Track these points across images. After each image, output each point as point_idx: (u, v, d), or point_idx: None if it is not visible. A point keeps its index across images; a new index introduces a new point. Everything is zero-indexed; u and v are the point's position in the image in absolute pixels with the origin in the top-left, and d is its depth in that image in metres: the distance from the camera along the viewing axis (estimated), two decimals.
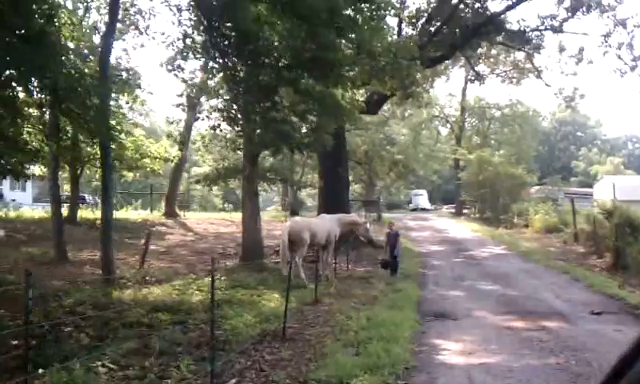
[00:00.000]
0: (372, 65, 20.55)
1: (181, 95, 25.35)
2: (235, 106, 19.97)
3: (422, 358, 8.69)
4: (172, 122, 32.47)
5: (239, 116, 19.84)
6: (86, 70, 17.62)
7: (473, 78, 41.58)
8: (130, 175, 38.70)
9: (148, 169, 36.00)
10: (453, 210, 58.80)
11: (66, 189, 62.65)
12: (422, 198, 70.92)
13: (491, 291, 16.11)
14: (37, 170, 35.72)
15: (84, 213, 36.96)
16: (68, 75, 13.28)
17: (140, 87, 32.90)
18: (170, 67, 22.52)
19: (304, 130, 21.18)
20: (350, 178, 71.58)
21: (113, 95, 30.49)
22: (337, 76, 18.14)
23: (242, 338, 10.03)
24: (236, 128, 20.83)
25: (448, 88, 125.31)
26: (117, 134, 33.44)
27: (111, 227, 17.35)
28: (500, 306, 13.80)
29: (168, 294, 14.99)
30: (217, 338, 9.97)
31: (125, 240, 29.29)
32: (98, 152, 34.27)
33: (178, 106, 21.44)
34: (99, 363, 7.49)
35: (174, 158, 36.90)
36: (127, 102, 33.26)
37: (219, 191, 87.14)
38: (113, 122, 19.71)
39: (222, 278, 17.52)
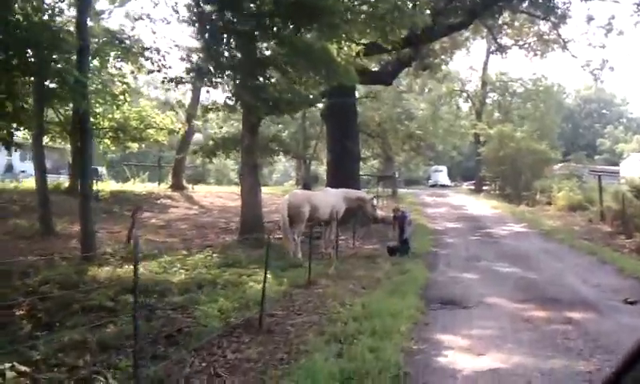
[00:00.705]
0: (369, 13, 18.62)
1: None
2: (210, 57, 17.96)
3: (419, 362, 7.03)
4: (168, 90, 30.73)
5: (212, 70, 17.93)
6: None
7: (495, 49, 39.41)
8: (133, 146, 37.28)
9: (152, 140, 34.55)
10: (472, 187, 56.78)
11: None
12: (441, 175, 68.76)
13: (509, 274, 14.39)
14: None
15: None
16: (18, 24, 11.66)
17: (144, 56, 31.55)
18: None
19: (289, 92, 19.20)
20: (367, 153, 70.39)
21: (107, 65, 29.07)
22: (327, 26, 16.28)
23: (209, 330, 8.44)
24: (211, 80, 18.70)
25: (469, 61, 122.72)
26: (101, 101, 32.21)
27: (90, 198, 16.03)
28: (518, 291, 12.10)
29: (149, 272, 13.59)
30: (178, 329, 8.45)
31: (125, 213, 28.05)
32: (102, 123, 33.54)
33: (171, 80, 19.36)
34: (7, 366, 5.90)
35: (179, 129, 35.37)
36: (132, 72, 31.94)
37: (235, 164, 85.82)
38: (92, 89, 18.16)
39: (214, 256, 16.12)
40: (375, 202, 18.45)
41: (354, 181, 25.17)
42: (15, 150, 23.07)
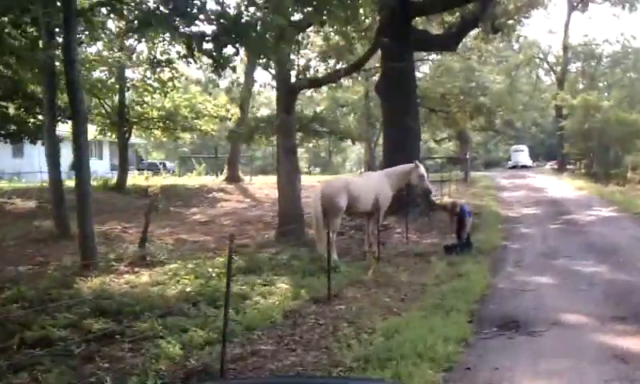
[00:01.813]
0: None
1: None
2: None
3: None
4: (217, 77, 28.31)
5: None
6: None
7: (577, 3, 34.94)
8: (186, 136, 35.42)
9: (202, 129, 32.46)
10: (556, 167, 52.22)
11: (155, 156, 61.31)
12: (522, 155, 63.91)
13: (596, 275, 11.22)
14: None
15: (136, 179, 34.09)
16: None
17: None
18: None
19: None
20: (442, 134, 66.41)
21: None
22: None
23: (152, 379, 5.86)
24: None
25: (547, 25, 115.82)
26: (150, 90, 30.15)
27: (88, 195, 13.69)
28: (608, 304, 8.99)
29: (148, 284, 11.38)
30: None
31: (170, 209, 26.16)
32: (150, 112, 31.61)
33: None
34: None
35: (232, 116, 33.11)
36: (182, 57, 29.90)
37: (305, 154, 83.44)
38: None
39: (236, 259, 13.63)
40: (423, 169, 15.24)
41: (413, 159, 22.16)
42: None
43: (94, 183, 30.98)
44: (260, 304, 9.52)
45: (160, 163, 51.67)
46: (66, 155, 17.08)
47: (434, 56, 40.84)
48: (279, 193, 17.88)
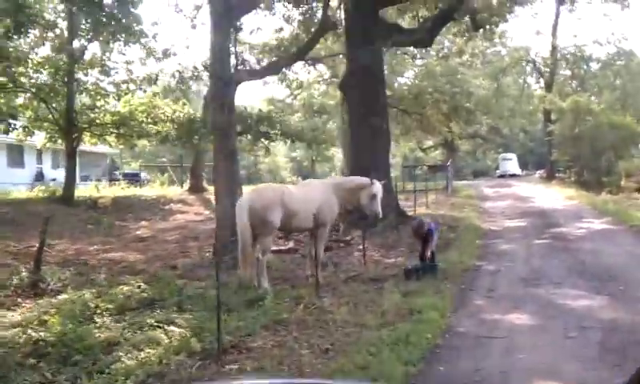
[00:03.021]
0: None
1: None
2: None
3: None
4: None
5: None
6: None
7: None
8: (141, 143, 32.51)
9: (158, 134, 29.58)
10: (544, 175, 49.47)
11: (133, 166, 58.37)
12: (510, 163, 61.33)
13: (588, 313, 8.50)
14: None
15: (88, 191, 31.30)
16: None
17: (144, 34, 26.81)
18: None
19: None
20: (430, 143, 63.84)
21: None
22: None
23: None
24: None
25: (534, 26, 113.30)
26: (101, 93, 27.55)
27: None
28: (607, 363, 6.27)
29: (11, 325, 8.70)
30: None
31: (115, 223, 23.52)
32: (102, 119, 28.87)
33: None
34: None
35: (185, 115, 29.84)
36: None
37: (286, 163, 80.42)
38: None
39: (141, 288, 11.13)
40: (379, 189, 12.42)
41: (382, 170, 19.49)
42: None
43: (39, 194, 28.52)
44: (123, 361, 6.83)
45: (133, 174, 48.97)
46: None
47: (413, 57, 38.41)
48: (216, 204, 15.29)
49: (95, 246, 17.89)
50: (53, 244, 17.94)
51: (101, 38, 28.09)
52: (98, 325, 8.60)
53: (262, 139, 23.06)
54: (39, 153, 39.74)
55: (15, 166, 38.59)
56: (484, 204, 27.90)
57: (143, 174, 49.72)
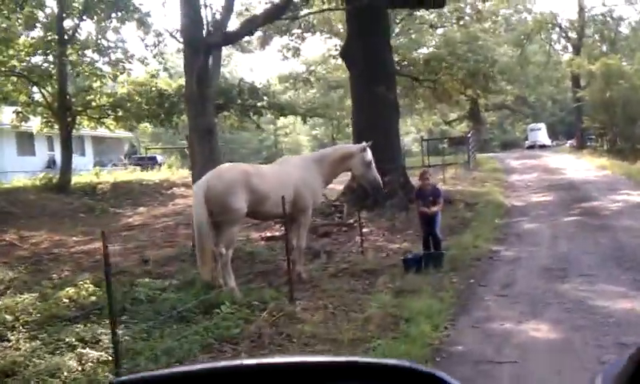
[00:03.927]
0: None
1: None
2: None
3: None
4: None
5: None
6: None
7: None
8: (142, 126, 30.47)
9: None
10: (575, 144, 46.56)
11: (151, 150, 56.83)
12: (539, 133, 58.13)
13: (629, 320, 6.40)
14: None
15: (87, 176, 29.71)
16: None
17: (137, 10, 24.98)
18: None
19: None
20: (453, 115, 61.02)
21: None
22: None
23: None
24: None
25: None
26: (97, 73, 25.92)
27: None
28: None
29: None
30: None
31: (110, 210, 21.93)
32: (98, 101, 27.14)
33: None
34: None
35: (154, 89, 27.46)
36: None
37: (309, 141, 78.09)
38: None
39: (88, 289, 9.37)
40: (369, 154, 10.37)
41: (391, 144, 17.50)
42: None
43: (35, 182, 27.06)
44: None
45: (149, 157, 47.47)
46: None
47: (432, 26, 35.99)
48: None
49: (75, 237, 16.31)
50: (28, 236, 16.50)
51: (95, 18, 26.47)
52: (10, 342, 6.91)
53: (250, 114, 21.02)
54: (50, 140, 38.40)
55: (25, 154, 37.29)
56: (509, 177, 25.65)
57: (161, 158, 48.16)
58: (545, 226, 13.37)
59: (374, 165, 10.21)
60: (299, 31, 29.23)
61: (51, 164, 38.57)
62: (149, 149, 53.13)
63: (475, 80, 28.62)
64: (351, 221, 15.32)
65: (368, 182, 10.46)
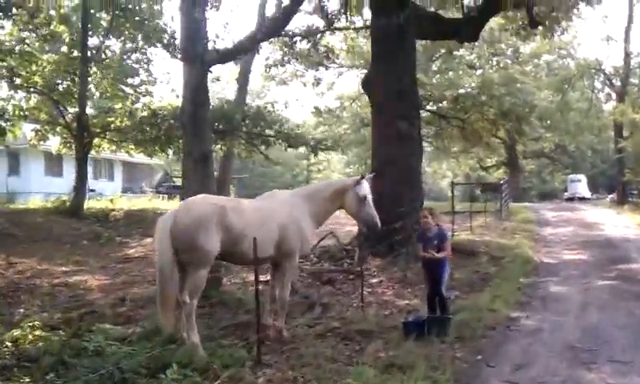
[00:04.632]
0: None
1: None
2: None
3: None
4: None
5: None
6: None
7: None
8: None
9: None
10: (615, 199, 44.19)
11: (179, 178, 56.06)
12: (579, 185, 55.80)
13: None
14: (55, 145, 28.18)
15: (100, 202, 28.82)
16: None
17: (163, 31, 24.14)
18: None
19: None
20: (490, 162, 59.18)
21: None
22: None
23: None
24: None
25: (604, 30, 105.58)
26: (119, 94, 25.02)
27: None
28: None
29: None
30: None
31: (117, 238, 20.94)
32: (118, 123, 26.05)
33: None
34: None
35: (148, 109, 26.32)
36: None
37: (338, 175, 76.65)
38: None
39: (33, 335, 8.11)
40: (365, 187, 8.78)
41: (410, 183, 16.08)
42: None
43: (46, 205, 26.20)
44: None
45: (174, 186, 46.62)
46: None
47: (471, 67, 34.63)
48: None
49: (65, 267, 15.18)
50: (17, 262, 15.44)
51: (122, 37, 25.79)
52: None
53: (256, 142, 19.75)
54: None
55: (53, 174, 36.91)
56: (542, 230, 23.86)
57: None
58: (575, 290, 11.74)
59: (370, 201, 8.73)
60: (327, 63, 28.22)
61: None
62: (176, 177, 52.45)
63: (507, 120, 26.92)
64: (359, 268, 13.90)
65: (363, 221, 8.93)
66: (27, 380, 6.34)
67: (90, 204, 27.12)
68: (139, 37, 24.82)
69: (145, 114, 25.39)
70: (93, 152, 27.77)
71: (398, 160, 15.75)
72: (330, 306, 10.54)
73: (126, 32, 24.66)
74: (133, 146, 27.67)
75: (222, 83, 42.64)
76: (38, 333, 7.98)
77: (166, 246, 7.52)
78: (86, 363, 6.89)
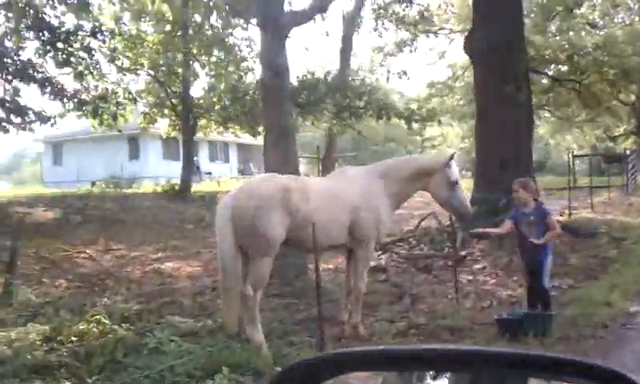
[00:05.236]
0: None
1: None
2: None
3: None
4: None
5: None
6: None
7: None
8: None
9: None
10: None
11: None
12: None
13: None
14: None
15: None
16: None
17: None
18: None
19: None
20: (620, 130, 54.71)
21: None
22: None
23: None
24: None
25: None
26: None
27: None
28: None
29: None
30: None
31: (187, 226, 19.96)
32: (219, 102, 25.58)
33: None
34: None
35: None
36: None
37: (454, 150, 73.05)
38: None
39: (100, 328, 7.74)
40: (455, 170, 7.73)
41: (519, 156, 14.64)
42: None
43: (157, 188, 26.51)
44: None
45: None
46: None
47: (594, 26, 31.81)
48: None
49: (161, 253, 14.99)
50: (113, 248, 15.40)
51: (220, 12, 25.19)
52: None
53: (344, 115, 18.50)
54: (194, 144, 38.86)
55: (171, 158, 37.74)
56: None
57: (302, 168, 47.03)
58: None
59: (460, 185, 7.67)
60: (426, 26, 26.62)
61: (195, 169, 38.71)
62: None
63: (630, 81, 24.16)
64: (463, 253, 12.74)
65: (452, 209, 7.88)
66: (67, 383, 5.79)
67: (198, 187, 27.22)
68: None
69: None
70: (201, 134, 27.85)
71: (505, 129, 14.40)
72: (422, 297, 9.58)
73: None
74: (238, 126, 27.26)
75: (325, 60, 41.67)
76: (102, 327, 7.51)
77: (226, 232, 6.81)
78: (140, 363, 6.34)
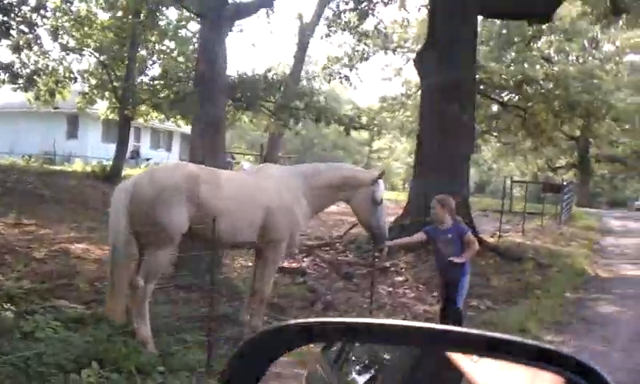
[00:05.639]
0: None
1: None
2: None
3: None
4: None
5: None
6: None
7: None
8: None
9: None
10: None
11: (238, 154, 55.42)
12: None
13: None
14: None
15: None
16: None
17: None
18: None
19: None
20: (561, 162, 56.14)
21: None
22: None
23: None
24: None
25: None
26: None
27: None
28: None
29: None
30: None
31: None
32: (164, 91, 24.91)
33: None
34: None
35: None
36: None
37: (400, 165, 73.76)
38: None
39: None
40: (381, 188, 7.35)
41: (456, 174, 14.49)
42: None
43: (85, 169, 25.74)
44: None
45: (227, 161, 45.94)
46: None
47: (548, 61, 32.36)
48: None
49: (73, 233, 14.20)
50: (24, 223, 14.56)
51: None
52: None
53: (283, 115, 18.16)
54: (137, 131, 37.84)
55: (111, 141, 36.64)
56: (603, 239, 21.72)
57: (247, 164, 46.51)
58: (628, 315, 9.96)
59: (383, 207, 7.31)
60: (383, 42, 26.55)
61: (134, 154, 37.88)
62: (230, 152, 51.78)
63: (574, 114, 24.48)
64: (387, 264, 12.44)
65: (368, 227, 7.44)
66: None
67: (132, 172, 26.44)
68: None
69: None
70: (141, 120, 27.17)
71: (445, 146, 14.26)
72: (336, 304, 9.19)
73: None
74: (168, 113, 26.55)
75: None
76: None
77: (121, 216, 6.27)
78: (9, 348, 5.74)
